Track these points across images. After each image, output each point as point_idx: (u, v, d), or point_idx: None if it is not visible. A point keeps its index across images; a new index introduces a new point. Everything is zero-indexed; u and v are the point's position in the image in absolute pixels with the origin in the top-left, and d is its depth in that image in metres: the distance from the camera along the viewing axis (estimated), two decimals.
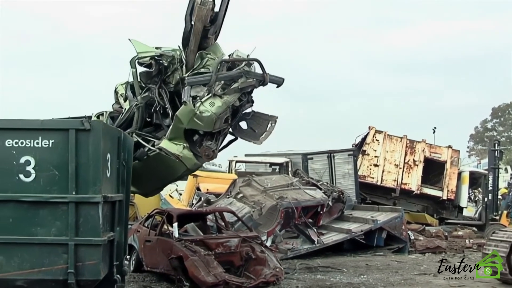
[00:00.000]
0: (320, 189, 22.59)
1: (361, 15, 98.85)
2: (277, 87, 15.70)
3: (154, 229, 16.57)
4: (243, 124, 16.00)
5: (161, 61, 15.57)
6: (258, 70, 15.54)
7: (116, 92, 16.88)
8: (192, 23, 15.32)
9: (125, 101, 16.32)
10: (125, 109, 16.15)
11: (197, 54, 15.51)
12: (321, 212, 21.50)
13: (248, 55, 15.65)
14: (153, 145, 15.14)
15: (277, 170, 27.70)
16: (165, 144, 14.81)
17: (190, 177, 25.47)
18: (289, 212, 19.97)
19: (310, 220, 21.16)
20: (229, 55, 15.89)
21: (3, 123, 10.81)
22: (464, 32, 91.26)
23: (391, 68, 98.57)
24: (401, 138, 31.77)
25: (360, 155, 30.86)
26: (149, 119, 16.10)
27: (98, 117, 16.02)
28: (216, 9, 15.44)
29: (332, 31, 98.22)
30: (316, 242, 20.38)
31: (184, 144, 14.74)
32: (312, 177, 25.78)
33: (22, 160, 10.57)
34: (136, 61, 15.71)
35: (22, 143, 10.58)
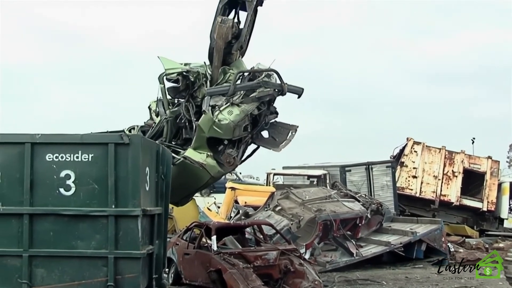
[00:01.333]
0: (359, 201, 22.45)
1: (397, 25, 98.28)
2: (298, 97, 15.95)
3: (192, 242, 16.60)
4: (265, 134, 16.25)
5: (188, 77, 15.87)
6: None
7: (149, 108, 17.21)
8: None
9: (157, 116, 16.61)
10: (155, 123, 16.46)
11: (220, 70, 15.84)
12: (360, 224, 21.37)
13: (269, 67, 15.90)
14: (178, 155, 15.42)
15: (315, 182, 27.62)
16: (189, 153, 15.12)
17: (228, 190, 25.58)
18: (327, 225, 19.89)
19: (349, 233, 21.03)
20: (251, 68, 16.16)
21: (44, 138, 10.94)
22: (502, 42, 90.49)
23: (428, 79, 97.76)
24: (440, 149, 31.47)
25: (399, 167, 30.63)
26: (178, 133, 16.38)
27: (129, 131, 16.37)
28: (241, 25, 15.87)
29: (369, 42, 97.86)
30: (355, 255, 20.24)
31: (208, 153, 15.00)
32: (350, 189, 25.63)
33: (62, 174, 10.72)
34: (164, 77, 16.06)
35: (62, 157, 10.74)
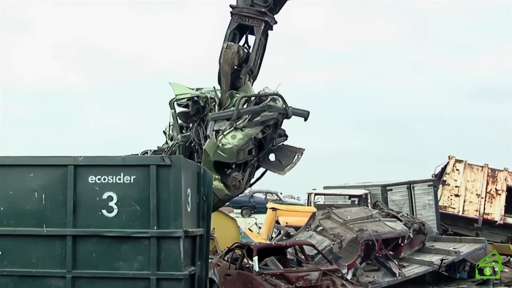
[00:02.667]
0: (401, 220, 22.25)
1: (436, 42, 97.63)
2: (305, 120, 15.99)
3: (234, 263, 16.58)
4: (272, 157, 16.27)
5: (197, 102, 16.09)
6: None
7: (164, 133, 17.52)
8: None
9: (171, 140, 16.97)
10: (168, 147, 16.62)
11: (227, 94, 15.91)
12: (402, 244, 21.17)
13: (276, 91, 15.95)
14: None
15: (356, 202, 27.47)
16: None
17: (269, 210, 25.55)
18: (369, 245, 19.74)
19: (391, 253, 20.85)
20: (259, 92, 16.23)
21: (86, 160, 11.06)
22: None
23: (469, 95, 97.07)
24: (482, 167, 31.10)
25: (441, 185, 30.32)
26: (191, 157, 16.49)
27: (143, 154, 16.64)
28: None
29: (408, 60, 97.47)
30: (397, 275, 20.03)
31: (216, 176, 14.97)
32: (392, 208, 25.43)
33: (105, 196, 10.82)
34: (175, 103, 16.26)
35: (104, 179, 10.84)
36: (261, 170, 16.78)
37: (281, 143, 16.33)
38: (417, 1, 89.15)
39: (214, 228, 18.76)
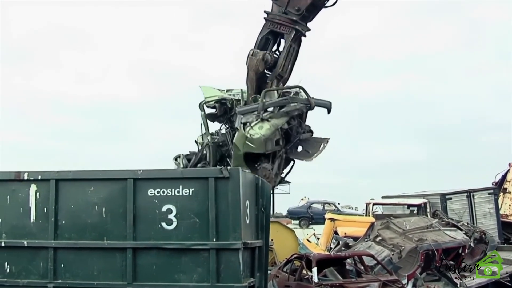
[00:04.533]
0: (461, 230, 21.97)
1: (494, 48, 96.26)
2: (328, 112, 16.07)
3: (293, 274, 16.54)
4: (299, 148, 16.41)
5: (225, 103, 16.29)
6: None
7: (196, 142, 18.01)
8: None
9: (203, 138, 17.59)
10: (199, 150, 16.95)
11: (251, 97, 16.12)
12: (463, 253, 20.87)
13: (296, 85, 16.19)
14: None
15: (415, 211, 27.21)
16: (233, 165, 15.50)
17: (327, 221, 25.45)
18: (429, 255, 19.51)
19: (452, 262, 20.55)
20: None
21: (145, 174, 11.20)
22: None
23: None
24: None
25: (501, 193, 29.85)
26: (222, 160, 16.75)
27: (176, 159, 16.99)
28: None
29: (467, 66, 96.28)
30: (458, 285, 19.76)
31: (246, 170, 14.99)
32: (452, 217, 25.10)
33: (164, 208, 10.93)
34: (204, 105, 16.46)
35: (163, 192, 10.95)
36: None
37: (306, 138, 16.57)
38: (472, 6, 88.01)
39: (272, 240, 18.74)
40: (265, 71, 16.45)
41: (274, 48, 16.55)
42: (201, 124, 17.26)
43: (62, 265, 11.34)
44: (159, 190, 10.99)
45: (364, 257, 17.41)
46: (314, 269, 15.36)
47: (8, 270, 11.55)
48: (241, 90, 16.78)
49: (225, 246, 10.74)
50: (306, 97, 16.00)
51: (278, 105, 15.68)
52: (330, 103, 16.14)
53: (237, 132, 15.14)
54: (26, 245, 11.49)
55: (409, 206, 28.44)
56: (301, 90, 16.21)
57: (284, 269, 17.43)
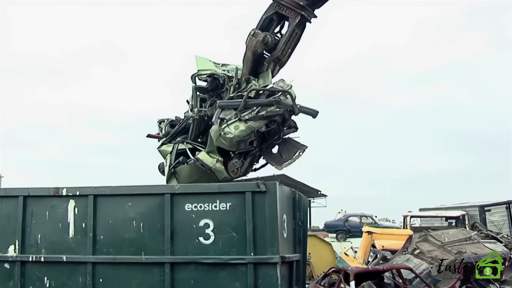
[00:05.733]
0: (501, 242, 21.71)
1: None
2: (313, 118, 15.71)
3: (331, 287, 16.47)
4: (275, 149, 16.03)
5: (217, 78, 16.04)
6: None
7: (187, 102, 17.15)
8: None
9: (191, 111, 16.77)
10: (183, 119, 16.66)
11: (244, 78, 15.84)
12: (503, 266, 20.63)
13: (291, 86, 15.78)
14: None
15: (453, 223, 27.01)
16: (202, 155, 15.05)
17: (365, 234, 25.34)
18: (468, 267, 19.31)
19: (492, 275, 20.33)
20: (273, 83, 16.04)
21: (183, 189, 11.28)
22: None
23: None
24: None
25: None
26: (206, 131, 16.46)
27: (160, 123, 16.70)
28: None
29: (501, 75, 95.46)
30: None
31: (219, 158, 14.89)
32: (491, 229, 24.86)
33: (201, 223, 10.94)
34: (196, 77, 16.23)
35: (201, 206, 10.98)
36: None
37: (287, 136, 16.18)
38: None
39: (310, 253, 18.70)
40: (264, 52, 16.18)
41: (277, 29, 16.23)
42: (191, 96, 16.95)
43: (101, 280, 11.40)
44: (196, 204, 11.01)
45: (402, 271, 17.25)
46: (352, 283, 15.25)
47: (47, 285, 11.65)
48: (236, 67, 16.47)
49: (263, 261, 10.70)
50: (291, 102, 15.71)
51: (261, 106, 15.42)
52: (317, 111, 15.89)
53: (213, 125, 15.06)
54: (65, 260, 11.59)
55: (447, 218, 28.27)
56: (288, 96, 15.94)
57: (322, 283, 17.34)
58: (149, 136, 16.58)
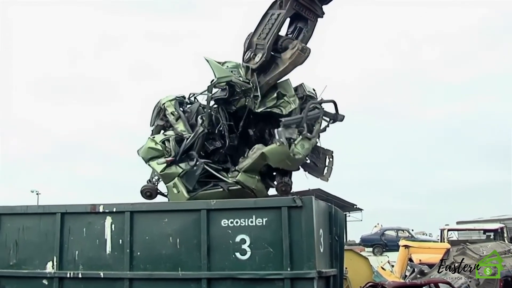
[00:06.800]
0: None
1: None
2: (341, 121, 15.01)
3: None
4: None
5: (233, 86, 14.81)
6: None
7: (161, 108, 15.48)
8: (280, 59, 14.58)
9: (176, 120, 15.09)
10: (188, 134, 14.72)
11: (275, 94, 14.87)
12: None
13: (314, 91, 15.07)
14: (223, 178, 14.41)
15: (491, 236, 26.71)
16: (242, 177, 14.15)
17: (401, 248, 25.15)
18: (508, 281, 19.03)
19: None
20: (295, 88, 15.26)
21: (219, 204, 11.27)
22: None
23: None
24: None
25: None
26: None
27: (163, 142, 14.50)
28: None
29: None
30: None
31: (257, 177, 14.23)
32: None
33: (238, 238, 10.93)
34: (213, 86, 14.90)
35: (237, 222, 10.97)
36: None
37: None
38: None
39: (346, 268, 18.59)
40: (274, 53, 15.19)
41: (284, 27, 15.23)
42: (200, 106, 15.21)
43: None
44: (232, 220, 11.00)
45: (440, 285, 17.12)
46: None
47: None
48: (240, 65, 15.34)
49: (300, 276, 10.65)
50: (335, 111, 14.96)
51: (313, 119, 14.77)
52: (343, 116, 15.28)
53: (278, 146, 14.12)
54: (102, 276, 11.64)
55: (485, 231, 27.99)
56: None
57: None
58: (167, 162, 14.23)
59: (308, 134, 14.30)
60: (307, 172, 15.33)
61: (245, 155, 14.50)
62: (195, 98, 15.70)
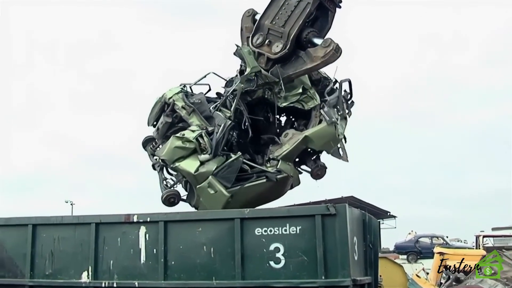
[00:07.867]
0: None
1: None
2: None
3: None
4: None
5: (259, 78, 13.81)
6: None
7: (167, 103, 14.38)
8: (305, 54, 13.59)
9: (189, 114, 14.06)
10: (213, 127, 13.66)
11: (300, 87, 14.24)
12: None
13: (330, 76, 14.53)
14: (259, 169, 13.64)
15: None
16: (282, 165, 13.53)
17: (436, 255, 24.96)
18: None
19: None
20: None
21: (252, 213, 11.26)
22: None
23: None
24: None
25: None
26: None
27: (197, 139, 13.28)
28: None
29: None
30: None
31: (291, 164, 13.71)
32: None
33: (272, 247, 10.90)
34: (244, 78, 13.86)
35: (270, 231, 10.95)
36: None
37: None
38: None
39: (381, 276, 18.49)
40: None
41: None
42: (232, 98, 14.06)
43: None
44: (266, 229, 10.97)
45: None
46: None
47: None
48: (253, 51, 14.03)
49: (334, 284, 10.60)
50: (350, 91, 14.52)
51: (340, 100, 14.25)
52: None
53: (325, 126, 13.53)
54: (137, 285, 11.67)
55: None
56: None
57: None
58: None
59: (346, 114, 14.05)
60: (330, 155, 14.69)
61: (274, 143, 13.96)
62: (191, 88, 14.85)
